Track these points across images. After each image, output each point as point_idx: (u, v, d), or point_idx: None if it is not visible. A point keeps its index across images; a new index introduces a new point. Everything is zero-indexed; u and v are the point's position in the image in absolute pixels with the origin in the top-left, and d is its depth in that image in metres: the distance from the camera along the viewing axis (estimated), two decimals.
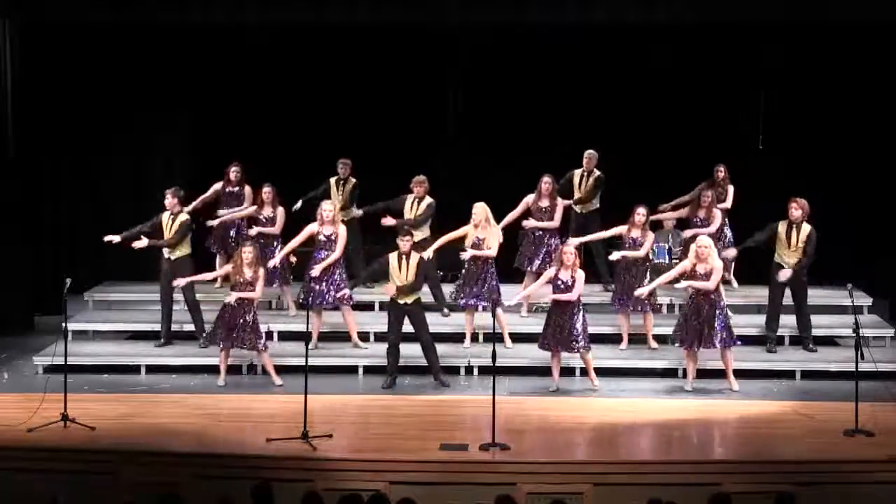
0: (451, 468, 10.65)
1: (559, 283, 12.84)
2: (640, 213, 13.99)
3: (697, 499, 9.11)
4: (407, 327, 13.25)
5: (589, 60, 16.83)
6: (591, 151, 15.29)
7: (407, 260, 13.11)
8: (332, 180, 15.40)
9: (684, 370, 13.50)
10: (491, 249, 13.74)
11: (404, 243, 13.14)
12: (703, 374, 13.27)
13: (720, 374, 13.18)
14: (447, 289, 14.50)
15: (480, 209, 13.80)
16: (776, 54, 16.65)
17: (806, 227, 13.80)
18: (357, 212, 15.19)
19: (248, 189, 15.22)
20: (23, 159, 15.97)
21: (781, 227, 13.84)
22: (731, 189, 15.17)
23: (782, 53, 16.65)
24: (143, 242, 14.09)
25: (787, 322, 14.21)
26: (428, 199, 14.48)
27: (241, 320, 13.03)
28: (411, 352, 13.30)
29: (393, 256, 13.20)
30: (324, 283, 13.85)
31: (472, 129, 17.26)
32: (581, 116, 16.75)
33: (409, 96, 17.00)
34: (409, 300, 13.10)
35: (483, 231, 13.76)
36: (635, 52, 16.75)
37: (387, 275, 13.27)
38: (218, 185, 15.26)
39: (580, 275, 12.88)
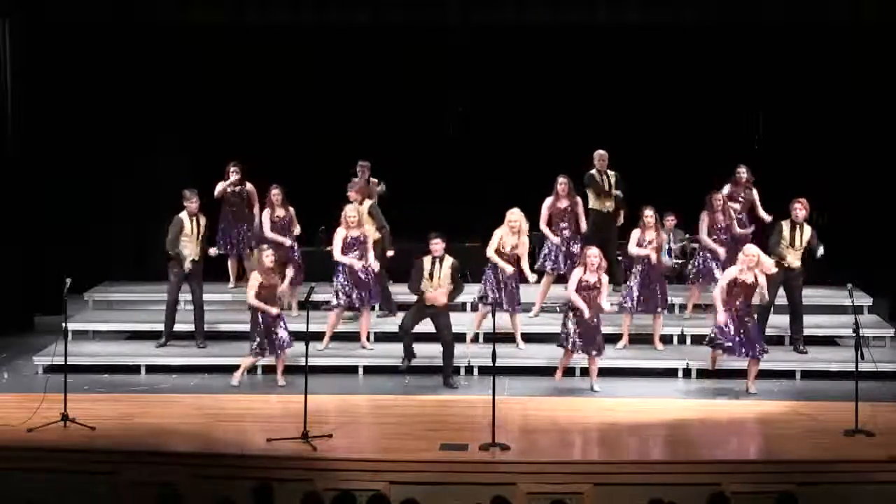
0: (451, 468, 10.64)
1: (584, 284, 12.85)
2: (648, 215, 14.02)
3: (697, 499, 9.10)
4: (420, 327, 13.29)
5: (589, 61, 16.85)
6: (601, 151, 15.26)
7: (440, 264, 13.12)
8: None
9: (685, 370, 13.53)
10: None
11: (434, 245, 13.13)
12: (703, 373, 13.28)
13: (721, 374, 13.19)
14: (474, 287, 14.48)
15: (520, 216, 13.78)
16: (776, 54, 16.65)
17: (807, 227, 13.82)
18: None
19: (249, 186, 15.23)
20: (23, 159, 15.98)
21: (786, 227, 13.85)
22: (755, 192, 15.13)
23: (782, 53, 16.65)
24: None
25: (787, 322, 14.22)
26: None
27: (278, 326, 13.10)
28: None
29: (426, 260, 13.18)
30: (370, 284, 13.93)
31: (473, 129, 17.27)
32: (581, 117, 16.77)
33: (410, 96, 17.00)
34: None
35: (516, 237, 13.75)
36: (635, 52, 16.78)
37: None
38: (220, 186, 15.25)
39: (605, 278, 12.96)
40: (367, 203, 14.61)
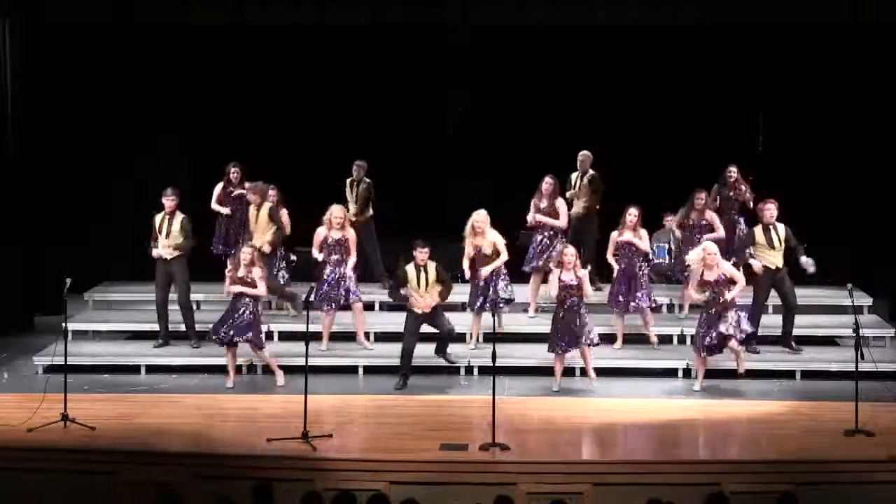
0: (451, 468, 10.64)
1: (561, 284, 12.86)
2: (633, 214, 14.02)
3: (697, 499, 9.08)
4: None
5: (589, 61, 16.85)
6: (585, 152, 15.30)
7: (425, 271, 13.09)
8: (348, 181, 15.40)
9: (685, 370, 13.53)
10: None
11: (421, 254, 13.09)
12: (704, 374, 13.28)
13: (721, 374, 13.19)
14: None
15: (484, 216, 13.77)
16: (776, 54, 16.65)
17: (780, 226, 13.78)
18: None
19: (248, 187, 15.24)
20: (23, 159, 15.98)
21: (758, 231, 13.81)
22: (744, 188, 15.14)
23: (782, 53, 16.65)
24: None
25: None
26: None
27: (240, 317, 13.04)
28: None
29: (410, 268, 13.14)
30: (342, 283, 13.89)
31: (473, 129, 17.27)
32: (581, 117, 16.75)
33: (410, 96, 16.99)
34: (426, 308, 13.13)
35: (481, 238, 13.73)
36: (635, 52, 16.77)
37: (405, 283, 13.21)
38: (219, 187, 15.25)
39: (584, 273, 12.94)
40: (266, 206, 14.64)
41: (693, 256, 13.01)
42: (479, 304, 13.77)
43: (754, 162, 16.10)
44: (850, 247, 15.98)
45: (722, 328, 12.67)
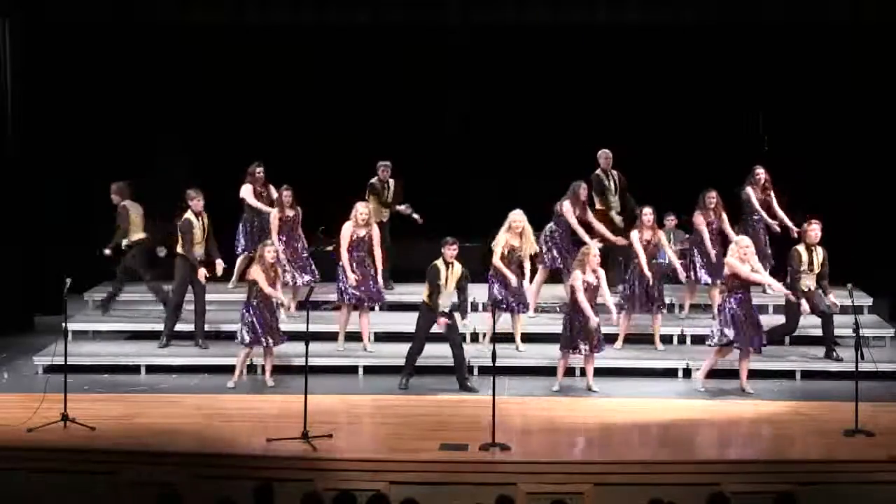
0: (451, 468, 10.64)
1: (585, 284, 12.82)
2: (648, 214, 14.04)
3: (697, 499, 9.10)
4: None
5: (589, 61, 16.86)
6: (606, 151, 15.27)
7: (452, 268, 13.01)
8: (374, 181, 15.38)
9: (685, 370, 13.52)
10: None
11: (451, 250, 13.01)
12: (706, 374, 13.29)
13: (721, 374, 13.19)
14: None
15: (522, 216, 13.76)
16: (776, 54, 16.65)
17: (819, 249, 13.65)
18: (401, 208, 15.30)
19: (271, 188, 15.22)
20: (23, 159, 15.98)
21: (803, 252, 13.62)
22: (771, 194, 15.13)
23: (782, 53, 16.66)
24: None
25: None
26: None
27: (274, 320, 13.18)
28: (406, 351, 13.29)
29: (440, 263, 12.99)
30: (372, 283, 13.92)
31: (473, 129, 17.27)
32: (581, 117, 16.77)
33: (410, 96, 16.99)
34: (447, 306, 13.08)
35: (519, 239, 13.75)
36: (635, 52, 16.78)
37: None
38: (247, 189, 15.18)
39: (602, 273, 12.93)
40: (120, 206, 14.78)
41: (729, 256, 12.93)
42: (503, 302, 13.70)
43: (753, 162, 16.08)
44: (850, 247, 15.96)
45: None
